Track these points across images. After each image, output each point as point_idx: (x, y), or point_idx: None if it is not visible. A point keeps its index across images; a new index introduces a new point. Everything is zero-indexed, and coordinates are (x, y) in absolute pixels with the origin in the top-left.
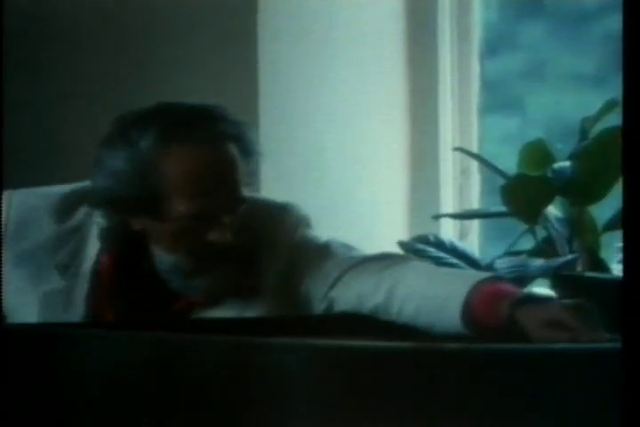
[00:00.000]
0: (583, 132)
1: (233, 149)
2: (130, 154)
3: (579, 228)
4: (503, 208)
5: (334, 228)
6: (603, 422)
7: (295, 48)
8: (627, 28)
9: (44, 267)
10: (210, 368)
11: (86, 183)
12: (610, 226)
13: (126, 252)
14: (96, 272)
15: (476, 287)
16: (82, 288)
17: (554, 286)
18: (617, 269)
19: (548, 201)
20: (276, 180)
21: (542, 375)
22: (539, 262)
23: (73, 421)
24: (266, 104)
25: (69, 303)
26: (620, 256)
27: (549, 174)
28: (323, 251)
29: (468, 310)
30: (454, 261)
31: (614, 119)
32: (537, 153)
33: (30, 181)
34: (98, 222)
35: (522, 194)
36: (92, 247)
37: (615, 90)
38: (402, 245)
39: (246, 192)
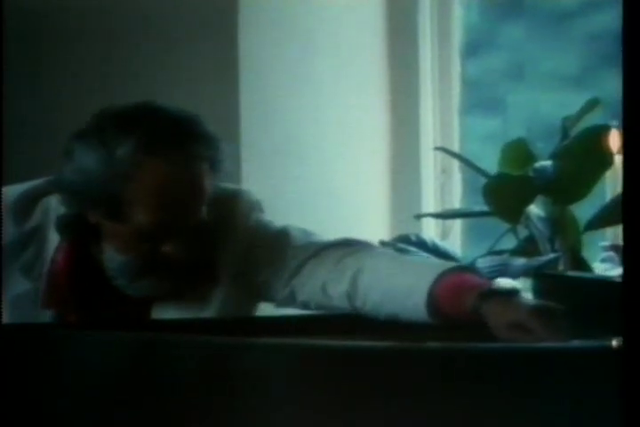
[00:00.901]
0: (564, 132)
1: (204, 169)
2: (103, 157)
3: (560, 227)
4: (485, 207)
5: (315, 227)
6: (601, 423)
7: (276, 47)
8: (627, 28)
9: (10, 270)
10: (193, 369)
11: (39, 181)
12: (591, 225)
13: (80, 242)
14: (51, 271)
15: (441, 277)
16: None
17: (535, 286)
18: (598, 269)
19: (530, 200)
20: (256, 179)
21: (546, 374)
22: (520, 262)
23: (57, 423)
24: (247, 103)
25: (38, 305)
26: (602, 255)
27: (531, 174)
28: (281, 237)
29: (433, 300)
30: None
31: (595, 118)
32: (518, 152)
33: (29, 179)
34: (57, 213)
35: (503, 193)
36: (53, 246)
37: (596, 89)
38: (384, 244)
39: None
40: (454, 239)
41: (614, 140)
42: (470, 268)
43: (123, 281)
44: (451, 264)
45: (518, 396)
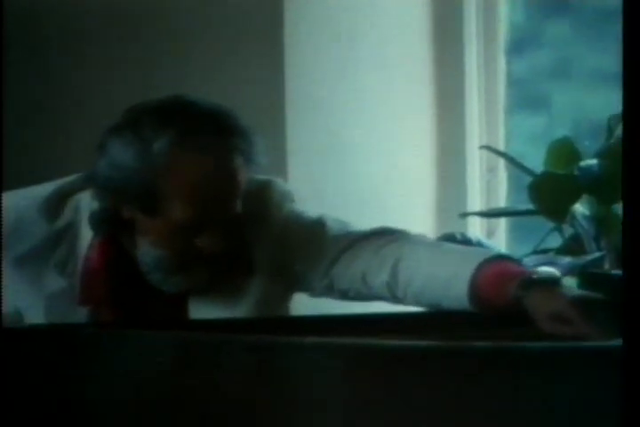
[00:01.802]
0: (610, 131)
1: (239, 162)
2: (140, 151)
3: (606, 226)
4: (530, 206)
5: (359, 225)
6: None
7: (322, 48)
8: (627, 28)
9: (44, 268)
10: (229, 368)
11: (69, 178)
12: None
13: (114, 238)
14: (85, 268)
15: (482, 266)
16: None
17: (581, 284)
18: None
19: (575, 199)
20: (303, 177)
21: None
22: (566, 260)
23: (98, 420)
24: (292, 101)
25: (73, 302)
26: None
27: (576, 172)
28: (317, 226)
29: (475, 289)
30: None
31: None
32: (563, 151)
33: (32, 181)
34: (90, 207)
35: (549, 192)
36: (85, 243)
37: None
38: None
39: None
40: (499, 238)
41: None
42: (510, 256)
43: (158, 276)
44: (491, 252)
45: (531, 394)
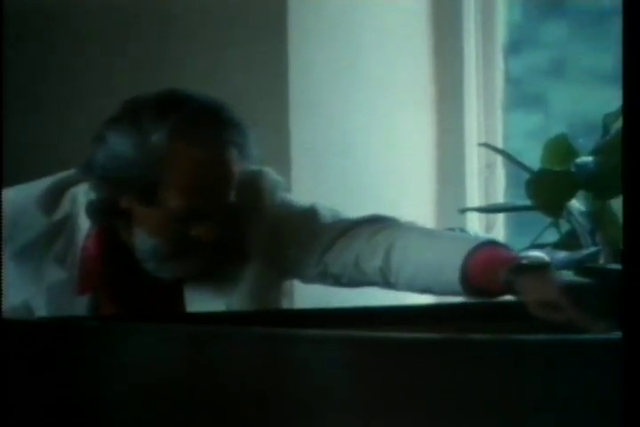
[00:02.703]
0: (605, 128)
1: (234, 154)
2: (138, 142)
3: (601, 221)
4: (528, 202)
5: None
6: (605, 415)
7: (323, 47)
8: (627, 28)
9: (44, 261)
10: (241, 361)
11: (65, 173)
12: None
13: (110, 227)
14: (83, 258)
15: (474, 252)
16: None
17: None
18: None
19: (571, 195)
20: (304, 173)
21: (562, 366)
22: (562, 255)
23: (108, 413)
24: (295, 99)
25: (73, 292)
26: None
27: (572, 169)
28: (309, 214)
29: (466, 275)
30: None
31: None
32: (560, 148)
33: (32, 178)
34: (87, 198)
35: (546, 188)
36: (83, 234)
37: None
38: None
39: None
40: (498, 233)
41: None
42: (501, 242)
43: (154, 264)
44: (481, 238)
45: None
